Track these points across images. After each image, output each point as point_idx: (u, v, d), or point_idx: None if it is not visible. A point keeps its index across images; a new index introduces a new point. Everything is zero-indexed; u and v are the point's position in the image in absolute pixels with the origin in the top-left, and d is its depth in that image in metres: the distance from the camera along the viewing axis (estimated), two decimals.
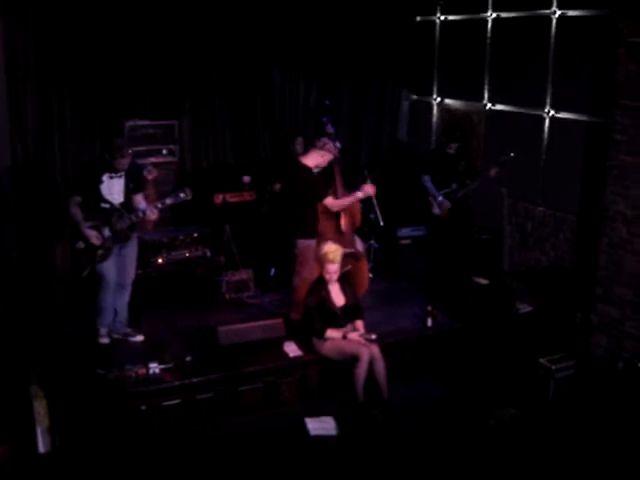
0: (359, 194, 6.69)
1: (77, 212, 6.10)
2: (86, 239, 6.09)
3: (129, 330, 6.56)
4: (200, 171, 8.46)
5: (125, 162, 6.10)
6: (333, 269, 6.09)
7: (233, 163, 8.62)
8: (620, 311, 6.52)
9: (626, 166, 6.37)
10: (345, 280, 6.30)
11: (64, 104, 7.55)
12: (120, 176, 6.16)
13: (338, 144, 6.92)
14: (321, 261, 6.16)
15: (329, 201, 6.62)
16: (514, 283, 7.85)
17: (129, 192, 6.24)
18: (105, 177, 6.11)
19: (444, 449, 5.44)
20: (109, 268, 6.26)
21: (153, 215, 6.23)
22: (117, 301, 6.47)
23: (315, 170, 6.70)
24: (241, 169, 8.36)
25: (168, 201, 6.28)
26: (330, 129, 6.90)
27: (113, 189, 6.16)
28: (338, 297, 6.17)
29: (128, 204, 6.24)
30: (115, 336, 6.52)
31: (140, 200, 6.34)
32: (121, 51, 7.73)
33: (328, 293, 6.13)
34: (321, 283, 6.16)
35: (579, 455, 5.57)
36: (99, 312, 6.38)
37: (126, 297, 6.54)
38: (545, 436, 5.97)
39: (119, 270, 6.36)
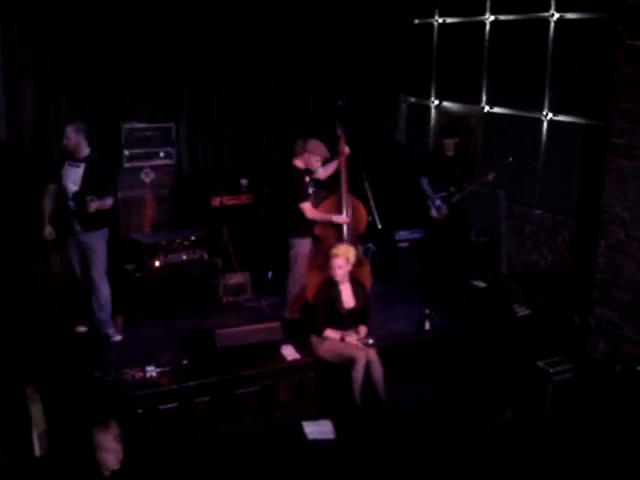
0: (334, 218, 6.76)
1: (47, 204, 6.29)
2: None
3: (110, 330, 6.50)
4: (197, 174, 8.46)
5: (68, 144, 6.14)
6: (338, 263, 6.06)
7: (230, 166, 8.62)
8: (618, 314, 6.52)
9: (624, 169, 6.37)
10: (359, 284, 6.29)
11: (61, 106, 7.55)
12: (78, 166, 6.20)
13: (347, 149, 6.86)
14: (330, 259, 6.16)
15: (305, 206, 6.65)
16: (512, 286, 7.85)
17: (87, 184, 6.15)
18: (66, 164, 6.23)
19: (442, 452, 5.43)
20: (74, 265, 6.45)
21: (94, 205, 6.14)
22: (93, 301, 6.44)
23: (311, 171, 6.77)
24: (239, 172, 8.36)
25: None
26: (339, 132, 6.86)
27: (69, 177, 6.21)
28: (348, 299, 6.15)
29: (83, 196, 6.13)
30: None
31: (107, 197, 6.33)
32: (118, 53, 7.74)
33: (339, 293, 6.11)
34: (332, 283, 6.14)
35: (577, 458, 5.57)
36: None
37: (101, 296, 6.41)
38: (543, 439, 5.96)
39: (85, 265, 6.41)
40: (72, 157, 6.21)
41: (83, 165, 6.21)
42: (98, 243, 6.35)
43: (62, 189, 6.24)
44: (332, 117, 7.11)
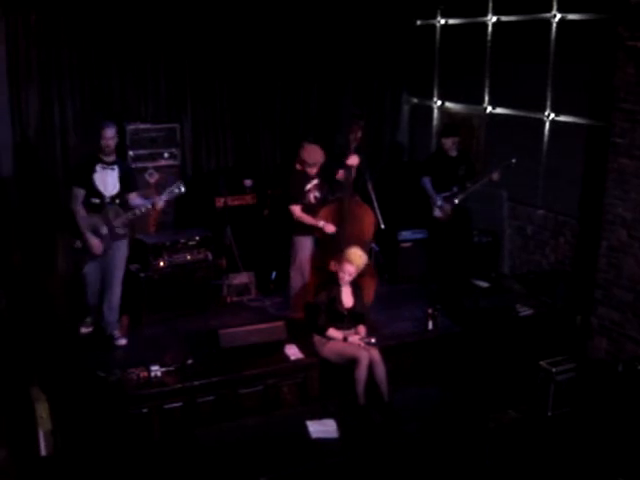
0: (321, 224, 6.70)
1: (80, 210, 6.08)
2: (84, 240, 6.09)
3: (116, 332, 6.48)
4: (201, 174, 8.48)
5: (110, 145, 6.10)
6: (349, 270, 6.11)
7: (234, 166, 8.64)
8: (620, 314, 6.54)
9: (625, 169, 6.40)
10: (357, 285, 6.32)
11: (66, 108, 7.58)
12: (113, 168, 6.17)
13: (356, 158, 6.71)
14: (342, 259, 6.17)
15: (294, 208, 6.71)
16: (514, 286, 7.86)
17: (124, 187, 6.22)
18: (98, 168, 6.13)
19: (444, 452, 5.46)
20: (91, 269, 6.28)
21: (160, 202, 6.22)
22: (104, 303, 6.39)
23: (337, 170, 6.80)
24: (242, 172, 8.39)
25: (164, 197, 6.27)
26: (352, 137, 6.76)
27: (106, 180, 6.15)
28: (348, 299, 6.20)
29: (122, 198, 6.22)
30: (89, 320, 6.55)
31: (135, 197, 6.34)
32: (123, 54, 7.77)
33: (339, 293, 6.16)
34: (334, 283, 6.19)
35: (579, 458, 5.58)
36: (87, 311, 6.51)
37: (114, 299, 6.40)
38: (545, 439, 5.98)
39: (104, 271, 6.32)
40: (103, 160, 6.13)
41: (117, 167, 6.20)
42: (126, 245, 6.43)
43: (91, 194, 6.11)
44: (345, 121, 7.07)
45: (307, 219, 6.75)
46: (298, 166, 6.77)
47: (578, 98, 7.43)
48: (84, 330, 6.57)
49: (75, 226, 6.13)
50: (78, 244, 6.17)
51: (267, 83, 8.70)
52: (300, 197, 6.76)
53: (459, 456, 5.47)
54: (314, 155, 6.70)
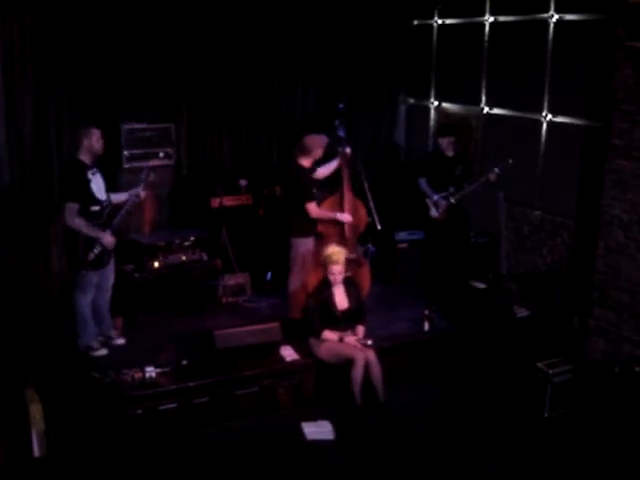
0: (338, 216, 6.80)
1: (81, 221, 5.89)
2: (99, 246, 5.99)
3: (112, 333, 6.45)
4: (197, 174, 8.45)
5: (101, 148, 6.04)
6: (337, 270, 6.09)
7: (230, 166, 8.62)
8: (617, 315, 6.53)
9: (623, 170, 6.38)
10: (351, 284, 6.29)
11: (61, 107, 7.54)
12: (97, 171, 6.08)
13: (348, 149, 6.90)
14: (325, 262, 6.16)
15: (310, 206, 6.68)
16: (512, 287, 7.85)
17: (107, 186, 6.19)
18: (89, 174, 5.99)
19: (441, 453, 5.44)
20: (92, 273, 6.16)
21: (142, 192, 6.33)
22: (102, 304, 6.33)
23: (316, 169, 6.83)
24: (238, 172, 8.36)
25: (142, 187, 6.36)
26: (342, 133, 6.90)
27: (100, 186, 6.07)
28: (342, 300, 6.17)
29: (110, 198, 6.19)
30: (100, 339, 6.34)
31: (115, 195, 6.32)
32: (119, 54, 7.73)
33: (332, 295, 6.13)
34: (326, 284, 6.16)
35: (576, 459, 5.57)
36: (83, 322, 6.17)
37: (108, 299, 6.39)
38: (542, 440, 5.97)
39: (101, 273, 6.24)
40: (88, 165, 6.00)
41: (98, 170, 6.10)
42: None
43: (90, 203, 5.97)
44: (333, 118, 7.11)
45: (325, 214, 6.79)
46: (305, 162, 6.76)
47: (576, 99, 7.42)
48: (101, 353, 6.26)
49: (73, 240, 5.98)
50: (91, 255, 6.00)
51: (263, 83, 8.67)
52: (313, 194, 6.75)
53: (457, 456, 5.45)
54: (318, 139, 6.77)
